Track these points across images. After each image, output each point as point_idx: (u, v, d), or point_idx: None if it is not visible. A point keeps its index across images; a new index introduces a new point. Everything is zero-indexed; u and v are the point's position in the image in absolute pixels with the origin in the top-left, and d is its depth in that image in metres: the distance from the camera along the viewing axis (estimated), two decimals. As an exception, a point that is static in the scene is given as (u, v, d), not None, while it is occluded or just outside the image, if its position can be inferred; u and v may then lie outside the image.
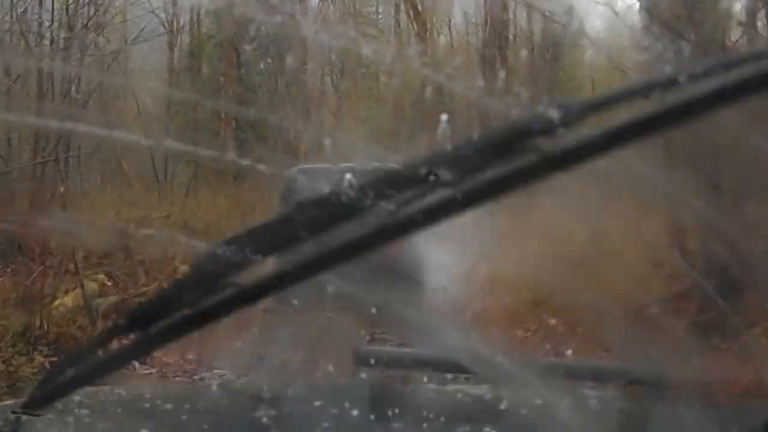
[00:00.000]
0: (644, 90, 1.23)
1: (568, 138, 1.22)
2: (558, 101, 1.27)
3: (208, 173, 26.78)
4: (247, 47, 29.36)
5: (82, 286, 12.06)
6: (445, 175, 1.21)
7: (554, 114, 1.21)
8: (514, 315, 13.14)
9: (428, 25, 30.49)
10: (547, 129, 1.20)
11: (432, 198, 1.25)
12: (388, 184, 1.29)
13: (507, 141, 1.24)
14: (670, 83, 1.20)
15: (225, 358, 9.46)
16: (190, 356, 9.67)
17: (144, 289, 12.61)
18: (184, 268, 12.28)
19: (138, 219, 16.53)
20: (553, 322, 9.52)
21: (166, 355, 9.61)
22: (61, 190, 16.61)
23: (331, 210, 1.35)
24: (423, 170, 1.26)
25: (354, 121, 38.40)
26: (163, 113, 29.32)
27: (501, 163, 1.23)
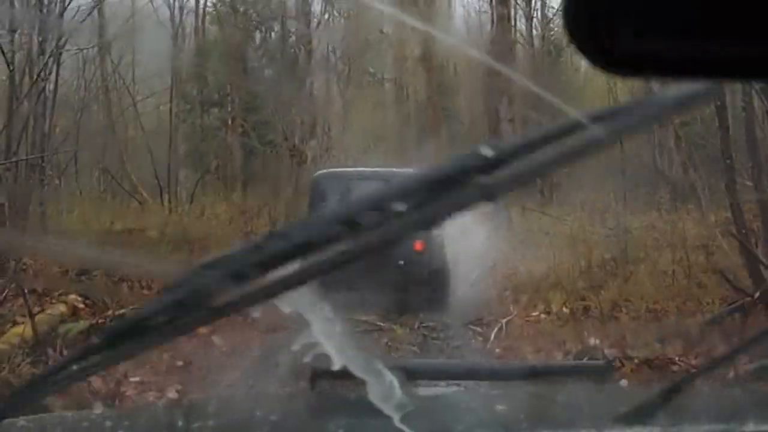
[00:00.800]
0: (562, 131, 1.44)
1: (501, 173, 1.42)
2: (493, 142, 1.58)
3: (214, 180, 26.46)
4: (253, 55, 29.01)
5: (31, 316, 9.66)
6: (399, 206, 1.41)
7: (489, 152, 1.42)
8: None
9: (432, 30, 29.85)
10: (483, 167, 1.41)
11: (390, 225, 1.44)
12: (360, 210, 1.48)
13: (449, 177, 1.44)
14: (577, 127, 1.41)
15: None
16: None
17: (122, 310, 10.77)
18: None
19: (131, 230, 15.95)
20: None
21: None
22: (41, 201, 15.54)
23: (296, 241, 1.44)
24: (384, 201, 1.44)
25: (359, 127, 38.15)
26: (168, 121, 29.08)
27: (445, 196, 1.43)
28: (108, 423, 2.18)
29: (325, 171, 14.30)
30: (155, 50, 32.59)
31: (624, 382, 4.05)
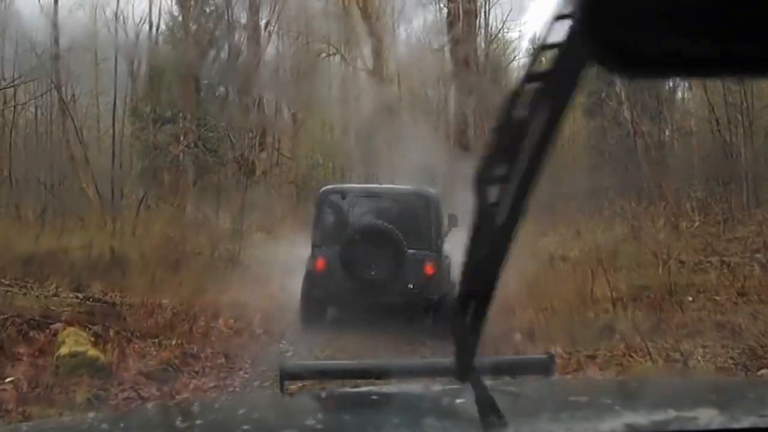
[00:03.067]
0: None
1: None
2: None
3: (165, 195, 25.16)
4: (205, 72, 27.88)
5: None
6: None
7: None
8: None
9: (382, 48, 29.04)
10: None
11: None
12: None
13: None
14: None
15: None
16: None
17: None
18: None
19: (54, 250, 14.62)
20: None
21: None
22: None
23: None
24: None
25: (309, 142, 37.26)
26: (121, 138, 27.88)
27: None
28: (104, 426, 2.15)
29: (330, 187, 13.75)
30: (106, 69, 31.50)
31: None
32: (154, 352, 9.85)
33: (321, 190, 13.60)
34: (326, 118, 40.62)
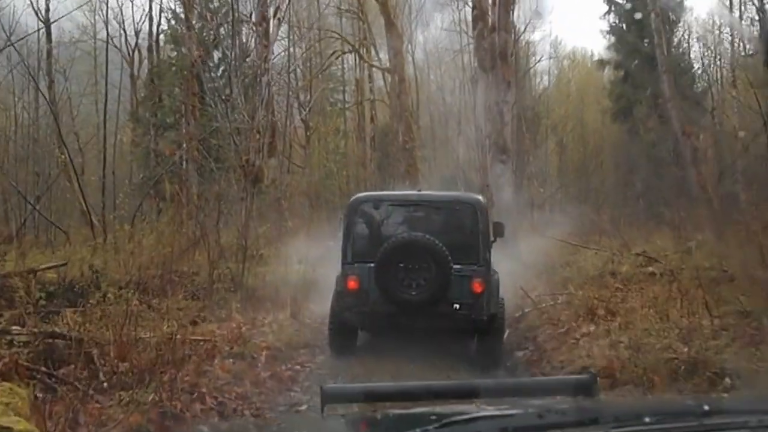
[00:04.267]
0: None
1: None
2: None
3: (166, 206, 22.39)
4: (210, 75, 25.15)
5: None
6: None
7: None
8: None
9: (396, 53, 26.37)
10: None
11: None
12: None
13: None
14: None
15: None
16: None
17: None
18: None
19: (24, 272, 11.85)
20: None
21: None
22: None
23: None
24: None
25: (323, 153, 34.72)
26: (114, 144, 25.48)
27: None
28: None
29: (362, 195, 11.45)
30: (103, 70, 29.09)
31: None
32: (120, 415, 7.05)
33: (352, 199, 11.18)
34: (340, 123, 38.27)
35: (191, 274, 13.85)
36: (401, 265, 9.84)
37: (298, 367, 10.03)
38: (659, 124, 23.76)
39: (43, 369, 7.76)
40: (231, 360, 9.42)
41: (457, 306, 9.89)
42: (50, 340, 8.86)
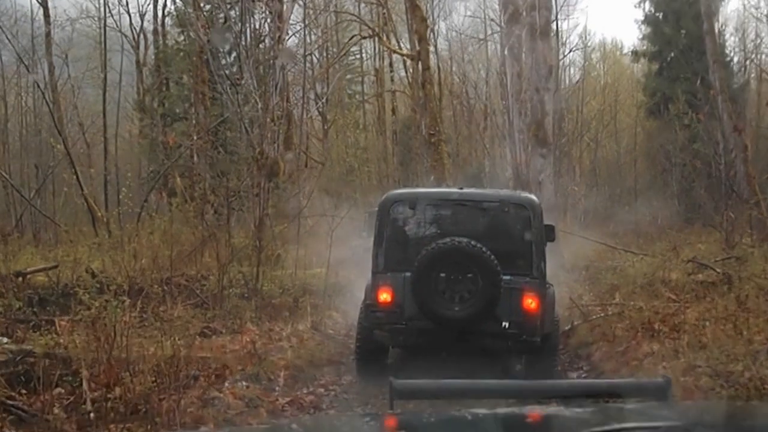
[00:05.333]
0: None
1: None
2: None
3: (175, 203, 21.17)
4: (219, 60, 23.89)
5: None
6: None
7: None
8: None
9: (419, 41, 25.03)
10: None
11: None
12: None
13: None
14: None
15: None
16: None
17: None
18: None
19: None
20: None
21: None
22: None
23: None
24: None
25: (342, 147, 33.48)
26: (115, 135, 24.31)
27: None
28: None
29: (396, 192, 10.01)
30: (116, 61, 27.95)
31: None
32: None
33: (384, 197, 9.66)
34: (359, 116, 36.97)
35: (199, 278, 12.59)
36: (442, 275, 8.47)
37: (321, 390, 8.75)
38: (697, 120, 22.31)
39: (10, 401, 6.48)
40: (244, 383, 8.14)
41: (506, 324, 8.51)
42: (28, 360, 7.65)
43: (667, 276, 14.23)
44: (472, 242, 8.44)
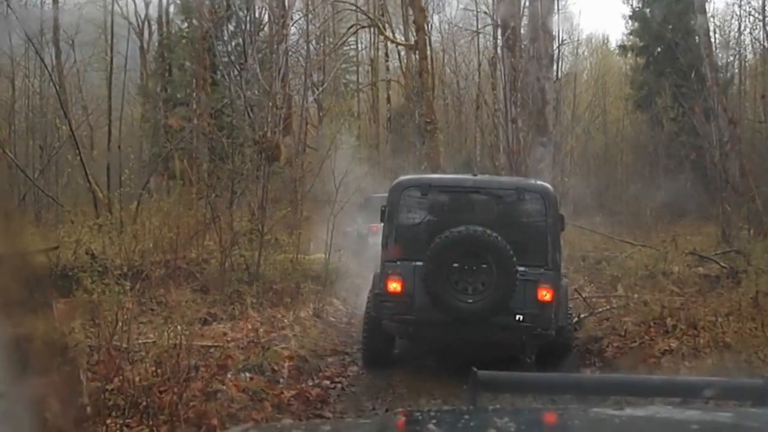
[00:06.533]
0: None
1: None
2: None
3: (176, 185, 20.39)
4: (222, 48, 23.08)
5: None
6: None
7: None
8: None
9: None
10: None
11: None
12: None
13: None
14: None
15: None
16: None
17: None
18: None
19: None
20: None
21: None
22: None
23: None
24: None
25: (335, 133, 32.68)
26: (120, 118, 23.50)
27: None
28: None
29: (407, 178, 9.10)
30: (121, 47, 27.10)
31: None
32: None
33: (395, 183, 8.85)
34: (353, 104, 36.23)
35: (200, 261, 11.82)
36: (455, 265, 7.74)
37: (327, 382, 8.05)
38: (691, 112, 21.71)
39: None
40: (247, 374, 7.42)
41: (520, 317, 7.81)
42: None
43: (668, 268, 13.57)
44: (488, 231, 7.72)
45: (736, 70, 34.88)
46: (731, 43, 35.82)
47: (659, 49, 31.72)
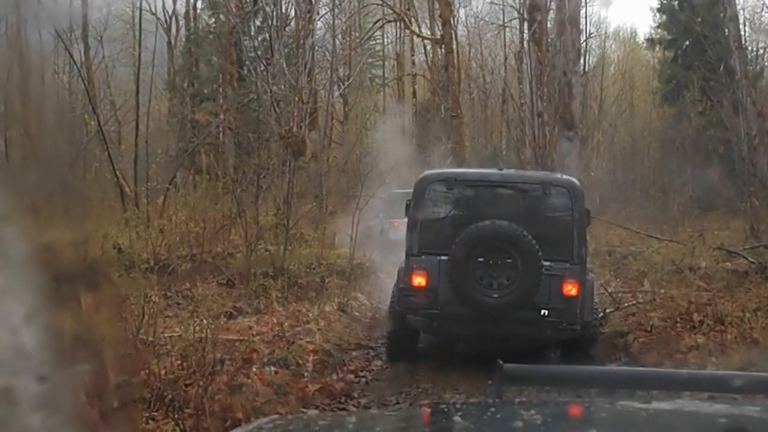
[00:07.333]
0: None
1: None
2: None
3: (202, 179, 20.50)
4: (249, 43, 23.15)
5: None
6: None
7: None
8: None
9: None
10: None
11: None
12: None
13: None
14: None
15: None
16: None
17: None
18: None
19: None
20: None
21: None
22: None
23: None
24: None
25: (360, 128, 32.70)
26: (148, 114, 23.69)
27: None
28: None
29: (432, 172, 9.14)
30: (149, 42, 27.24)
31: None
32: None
33: (421, 177, 8.76)
34: (379, 99, 36.20)
35: (226, 255, 11.87)
36: (480, 259, 7.72)
37: (351, 376, 8.05)
38: (720, 105, 21.44)
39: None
40: (272, 368, 7.43)
41: (545, 312, 7.78)
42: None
43: (695, 263, 13.42)
44: (513, 225, 7.68)
45: (766, 63, 34.56)
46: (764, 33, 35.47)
47: (687, 42, 31.39)
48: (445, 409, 2.10)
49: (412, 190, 8.56)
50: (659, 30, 34.04)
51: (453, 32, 26.24)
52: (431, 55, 31.72)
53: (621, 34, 42.26)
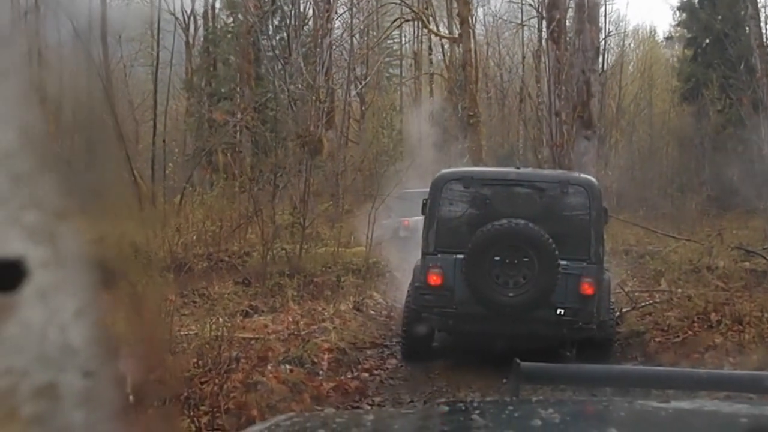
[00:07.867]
0: None
1: None
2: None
3: (219, 178, 20.58)
4: (266, 43, 23.23)
5: None
6: None
7: None
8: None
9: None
10: None
11: None
12: None
13: None
14: None
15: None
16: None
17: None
18: None
19: None
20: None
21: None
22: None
23: None
24: None
25: (377, 127, 32.72)
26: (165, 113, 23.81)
27: None
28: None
29: (449, 171, 9.07)
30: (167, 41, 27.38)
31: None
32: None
33: (438, 176, 8.71)
34: (396, 98, 36.18)
35: (242, 254, 11.91)
36: (497, 258, 7.67)
37: (366, 374, 8.05)
38: (739, 104, 21.30)
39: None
40: (287, 366, 7.45)
41: (561, 311, 7.73)
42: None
43: (712, 263, 13.33)
44: (530, 224, 7.66)
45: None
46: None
47: (707, 40, 31.18)
48: (463, 408, 2.10)
49: (424, 189, 8.56)
50: (679, 28, 33.88)
51: (471, 31, 26.12)
52: (449, 54, 31.66)
53: (640, 32, 42.00)
